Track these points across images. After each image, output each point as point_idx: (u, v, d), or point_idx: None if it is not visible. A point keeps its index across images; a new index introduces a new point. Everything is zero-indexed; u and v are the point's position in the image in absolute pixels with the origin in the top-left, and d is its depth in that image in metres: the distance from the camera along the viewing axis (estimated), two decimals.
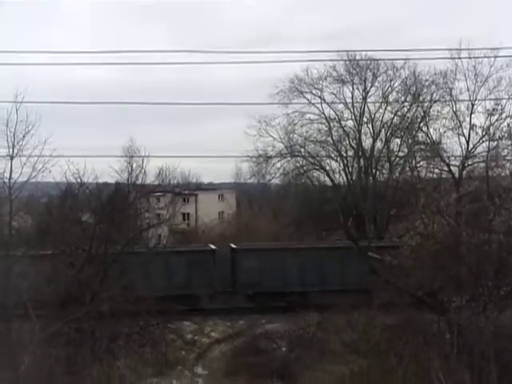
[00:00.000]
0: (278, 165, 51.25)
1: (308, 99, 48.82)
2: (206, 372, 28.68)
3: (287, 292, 37.34)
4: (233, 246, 40.32)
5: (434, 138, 39.18)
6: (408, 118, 46.76)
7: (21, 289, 20.80)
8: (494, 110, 27.28)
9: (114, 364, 23.82)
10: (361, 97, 48.89)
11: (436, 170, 38.19)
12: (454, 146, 37.43)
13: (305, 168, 50.94)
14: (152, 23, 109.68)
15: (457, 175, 33.15)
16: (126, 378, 23.74)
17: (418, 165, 39.06)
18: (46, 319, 21.24)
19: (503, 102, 30.94)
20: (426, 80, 45.56)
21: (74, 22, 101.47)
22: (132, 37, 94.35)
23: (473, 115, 34.68)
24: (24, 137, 21.91)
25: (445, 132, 37.29)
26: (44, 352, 20.30)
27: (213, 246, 39.44)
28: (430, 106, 44.04)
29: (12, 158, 21.95)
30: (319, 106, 48.90)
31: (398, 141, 48.12)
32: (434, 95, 44.33)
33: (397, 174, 46.66)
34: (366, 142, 49.47)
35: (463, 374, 18.67)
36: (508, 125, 26.84)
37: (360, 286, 36.11)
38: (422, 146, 41.38)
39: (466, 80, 37.88)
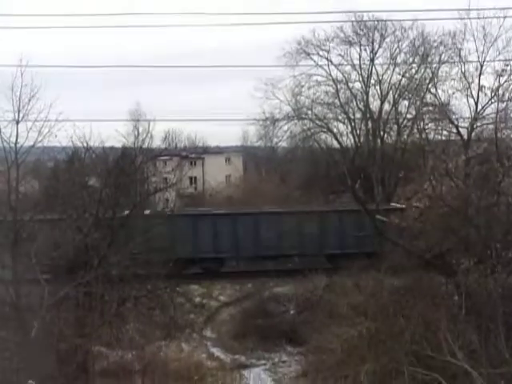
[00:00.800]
0: (285, 128, 51.15)
1: (315, 61, 48.51)
2: (214, 335, 28.88)
3: (201, 258, 37.20)
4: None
5: (442, 99, 39.03)
6: (416, 79, 46.36)
7: (29, 253, 20.85)
8: (503, 70, 27.08)
9: (123, 327, 23.98)
10: (368, 58, 48.48)
11: (444, 132, 38.08)
12: (462, 107, 37.26)
13: (312, 131, 50.73)
14: None
15: (465, 137, 33.00)
16: (135, 341, 23.91)
17: (427, 127, 38.94)
18: (54, 283, 21.31)
19: None
20: (435, 41, 45.15)
21: None
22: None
23: (482, 76, 34.48)
24: (29, 101, 21.84)
25: (453, 93, 37.11)
26: (53, 316, 20.40)
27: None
28: (439, 67, 43.73)
29: (18, 122, 21.89)
30: (326, 67, 48.60)
31: (406, 103, 47.79)
32: (443, 56, 44.00)
33: (405, 137, 46.41)
34: (374, 104, 49.20)
35: (471, 335, 18.66)
36: None
37: (277, 252, 36.78)
38: (431, 108, 41.16)
39: (475, 41, 37.57)
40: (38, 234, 22.72)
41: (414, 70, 46.87)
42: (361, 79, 48.72)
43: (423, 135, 37.66)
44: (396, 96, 47.92)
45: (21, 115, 21.83)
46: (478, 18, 35.73)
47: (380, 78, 48.47)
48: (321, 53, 48.26)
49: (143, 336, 24.51)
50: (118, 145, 42.26)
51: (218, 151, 77.58)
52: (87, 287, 21.99)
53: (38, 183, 37.70)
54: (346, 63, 48.49)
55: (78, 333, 21.04)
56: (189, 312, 30.18)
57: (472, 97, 35.92)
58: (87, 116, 30.29)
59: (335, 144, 50.74)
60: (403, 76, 47.44)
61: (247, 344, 26.83)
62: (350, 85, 48.88)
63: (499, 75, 27.43)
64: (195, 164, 70.81)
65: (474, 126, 34.11)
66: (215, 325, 30.06)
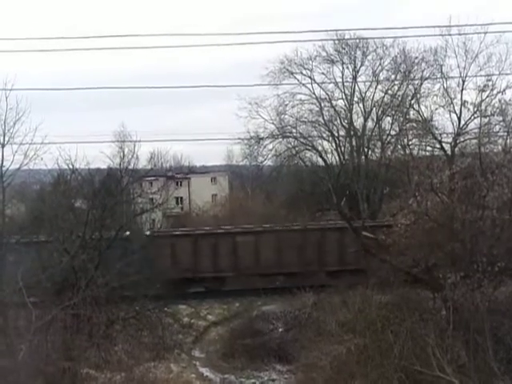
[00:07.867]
0: (270, 146, 51.29)
1: (298, 80, 48.79)
2: (203, 355, 28.74)
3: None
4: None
5: (425, 115, 39.38)
6: (399, 96, 46.68)
7: (16, 276, 20.74)
8: (484, 86, 27.29)
9: (111, 349, 23.84)
10: (351, 76, 48.82)
11: (428, 148, 38.40)
12: (445, 123, 37.59)
13: (297, 149, 50.91)
14: (137, 4, 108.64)
15: (449, 152, 33.24)
16: (123, 363, 23.77)
17: (410, 143, 39.25)
18: (42, 306, 21.20)
19: (494, 77, 30.97)
20: (416, 57, 45.53)
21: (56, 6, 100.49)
22: (117, 19, 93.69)
23: (464, 92, 34.83)
24: (15, 124, 21.88)
25: (436, 109, 37.47)
26: (41, 339, 20.27)
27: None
28: (421, 84, 44.09)
29: (3, 145, 21.91)
30: (310, 86, 48.86)
31: (389, 119, 48.10)
32: (425, 72, 44.44)
33: (389, 153, 46.65)
34: (358, 122, 49.51)
35: (459, 350, 18.74)
36: (499, 101, 26.94)
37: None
38: (414, 124, 41.50)
39: (457, 57, 38.04)
40: (24, 256, 22.64)
41: (396, 87, 47.23)
42: (344, 97, 49.07)
43: (407, 151, 37.93)
44: (379, 113, 48.22)
45: (6, 138, 21.89)
46: (459, 34, 36.17)
47: (363, 95, 48.84)
48: (304, 71, 48.59)
49: (132, 357, 24.34)
50: (104, 166, 42.17)
51: (204, 171, 77.63)
52: (75, 309, 21.91)
53: (24, 206, 37.61)
54: (328, 81, 48.81)
55: (65, 355, 20.94)
56: (177, 332, 30.00)
57: (455, 112, 36.28)
58: (72, 138, 30.33)
59: (320, 162, 50.98)
60: (386, 93, 47.78)
61: (236, 363, 26.70)
62: (334, 103, 49.22)
63: (481, 90, 27.64)
64: (181, 184, 70.86)
65: (458, 141, 34.41)
66: (204, 344, 29.91)
